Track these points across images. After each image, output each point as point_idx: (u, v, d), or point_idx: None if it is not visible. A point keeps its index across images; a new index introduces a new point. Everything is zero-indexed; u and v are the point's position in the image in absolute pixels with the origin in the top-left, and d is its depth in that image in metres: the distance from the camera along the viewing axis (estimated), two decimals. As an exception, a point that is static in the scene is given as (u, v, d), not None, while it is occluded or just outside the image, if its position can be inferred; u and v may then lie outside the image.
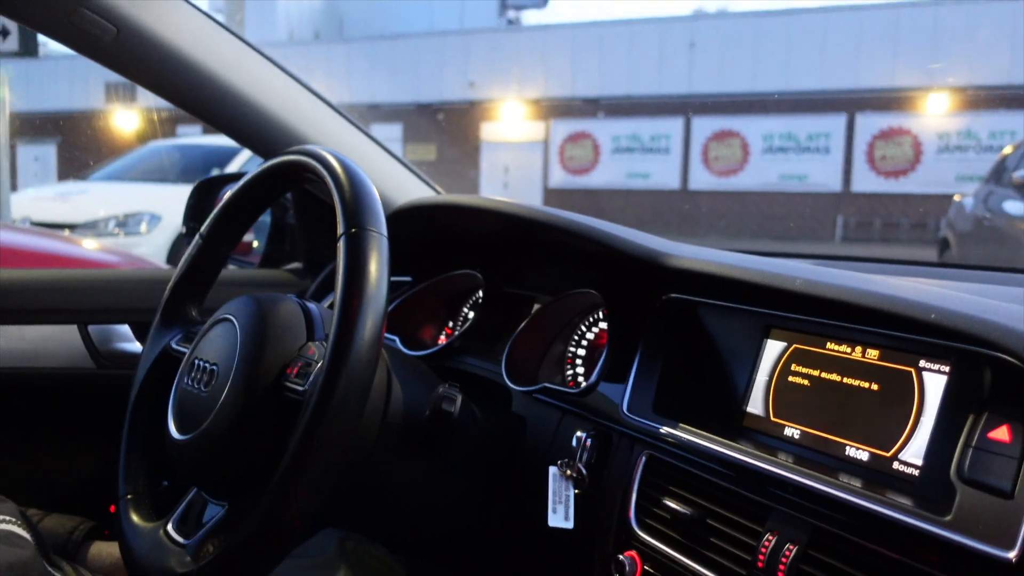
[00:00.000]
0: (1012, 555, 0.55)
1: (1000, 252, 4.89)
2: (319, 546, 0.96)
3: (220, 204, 0.97)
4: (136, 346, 1.32)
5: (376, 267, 0.72)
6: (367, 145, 1.34)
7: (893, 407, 0.71)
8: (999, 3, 13.77)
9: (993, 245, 5.10)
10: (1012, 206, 4.72)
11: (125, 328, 1.32)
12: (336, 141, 1.28)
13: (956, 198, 6.48)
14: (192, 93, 1.17)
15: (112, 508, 0.90)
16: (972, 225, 5.63)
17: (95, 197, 6.38)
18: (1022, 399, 0.59)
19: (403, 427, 0.86)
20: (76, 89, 15.12)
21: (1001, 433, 0.60)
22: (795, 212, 14.52)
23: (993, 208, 5.13)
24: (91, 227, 5.82)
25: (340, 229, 0.74)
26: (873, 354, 0.74)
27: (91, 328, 1.30)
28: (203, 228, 0.97)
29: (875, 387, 0.73)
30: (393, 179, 1.34)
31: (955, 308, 0.64)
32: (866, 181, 14.35)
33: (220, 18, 1.26)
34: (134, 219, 5.92)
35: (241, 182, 0.94)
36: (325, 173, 0.79)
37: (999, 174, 5.35)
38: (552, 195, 16.00)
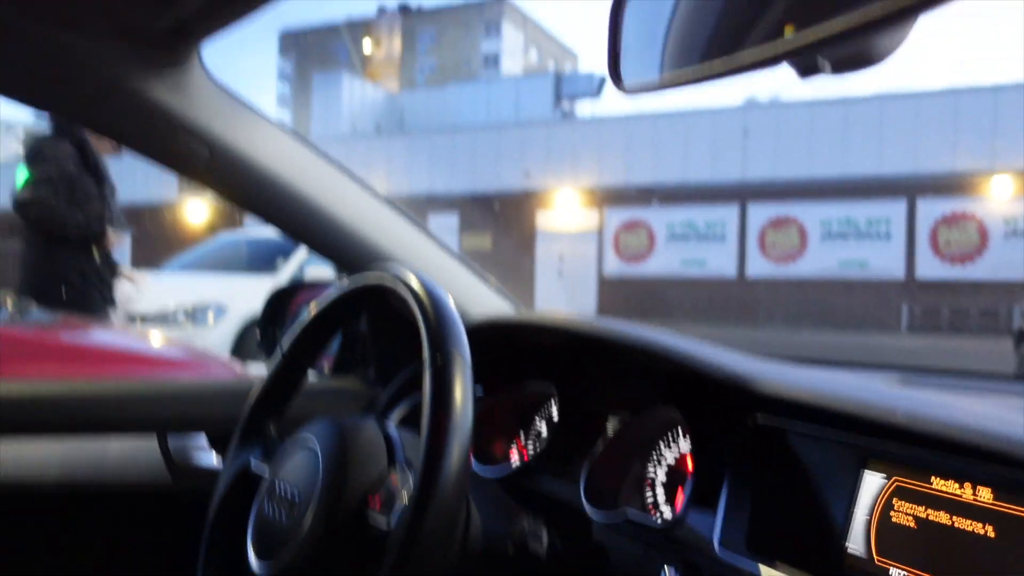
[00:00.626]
0: None
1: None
2: None
3: (302, 321, 0.99)
4: (212, 458, 1.33)
5: (461, 395, 0.72)
6: (439, 255, 1.36)
7: (1012, 554, 0.65)
8: (1061, 88, 13.64)
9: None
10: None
11: (201, 436, 1.34)
12: (409, 252, 1.30)
13: (1031, 287, 6.26)
14: (276, 208, 1.22)
15: None
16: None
17: (166, 288, 6.62)
18: None
19: (483, 559, 0.83)
20: (151, 181, 15.95)
21: None
22: (857, 300, 14.21)
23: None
24: (161, 318, 6.02)
25: (426, 356, 0.74)
26: (985, 494, 0.69)
27: (170, 439, 1.31)
28: (284, 344, 0.99)
29: (991, 532, 0.68)
30: (465, 289, 1.35)
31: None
32: (931, 267, 14.04)
33: (288, 112, 1.32)
34: (202, 310, 6.11)
35: (324, 299, 0.96)
36: (410, 297, 0.80)
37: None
38: (607, 284, 16.03)
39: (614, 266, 16.06)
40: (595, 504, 0.98)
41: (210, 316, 6.03)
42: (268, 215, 1.24)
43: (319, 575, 0.75)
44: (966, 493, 0.71)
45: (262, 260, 6.97)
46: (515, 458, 1.19)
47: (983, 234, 13.68)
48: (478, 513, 0.85)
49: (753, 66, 0.52)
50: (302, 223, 1.25)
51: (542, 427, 1.23)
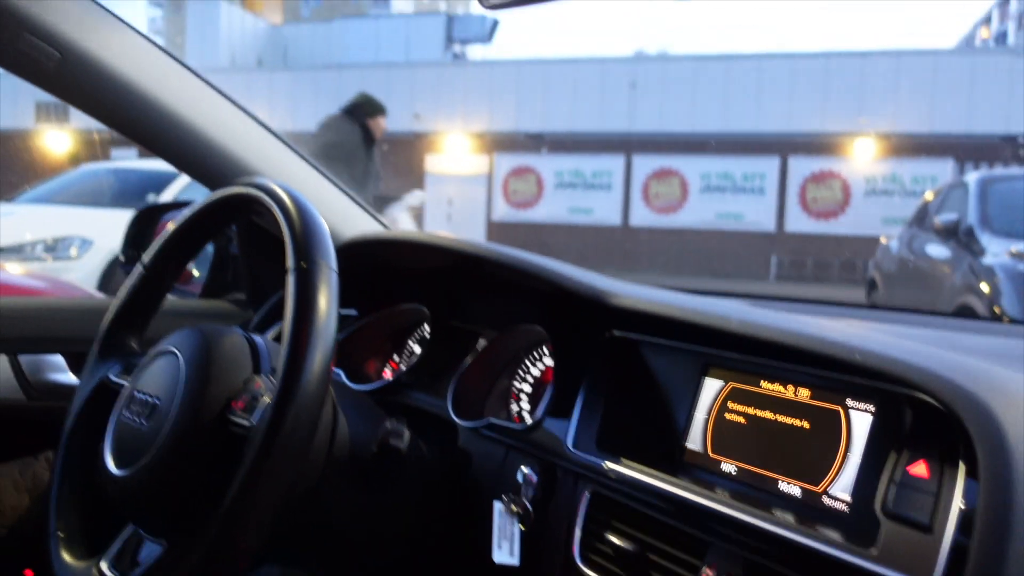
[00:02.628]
0: (932, 586, 0.58)
1: (923, 293, 5.12)
2: (258, 584, 0.95)
3: (164, 233, 0.96)
4: (70, 377, 1.28)
5: (326, 302, 0.73)
6: (313, 176, 1.34)
7: (823, 444, 0.74)
8: (919, 57, 14.58)
9: (916, 286, 5.34)
10: (933, 249, 4.96)
11: (58, 359, 1.28)
12: (282, 171, 1.28)
13: (882, 240, 6.77)
14: (136, 120, 1.16)
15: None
16: (897, 267, 5.89)
17: (22, 220, 6.15)
18: (939, 437, 0.63)
19: (349, 462, 0.86)
20: (5, 107, 14.65)
21: (920, 469, 0.64)
22: (731, 250, 14.91)
23: (916, 251, 5.38)
24: (17, 251, 5.61)
25: (290, 263, 0.74)
26: (804, 393, 0.77)
27: (22, 358, 1.25)
28: (146, 258, 0.96)
29: (806, 425, 0.76)
30: (340, 211, 1.34)
31: (878, 350, 0.68)
32: (799, 222, 14.87)
33: (159, 40, 1.26)
34: (64, 243, 5.73)
35: (187, 212, 0.94)
36: (274, 206, 0.80)
37: (921, 218, 5.63)
38: (495, 228, 16.10)
39: (503, 211, 16.14)
40: (460, 414, 1.02)
41: (73, 250, 5.66)
42: (126, 127, 1.17)
43: (179, 478, 0.75)
44: (788, 392, 0.79)
45: (131, 194, 6.56)
46: (388, 376, 1.21)
47: (846, 192, 14.58)
48: (346, 421, 0.87)
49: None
50: (164, 136, 1.19)
51: (415, 348, 1.26)
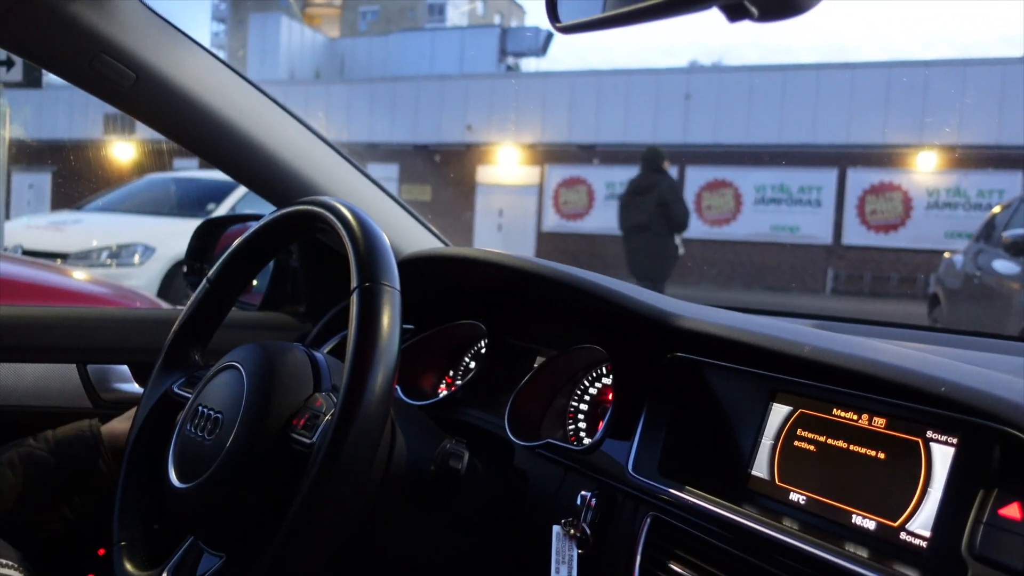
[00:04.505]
0: (1024, 635, 0.54)
1: (989, 310, 4.94)
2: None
3: (230, 249, 0.97)
4: (135, 388, 1.31)
5: (389, 321, 0.72)
6: (375, 194, 1.35)
7: (901, 477, 0.71)
8: (987, 67, 14.13)
9: (983, 303, 5.15)
10: (1001, 265, 4.78)
11: (124, 369, 1.31)
12: (346, 189, 1.29)
13: (946, 255, 6.56)
14: (207, 139, 1.18)
15: (101, 552, 0.89)
16: (962, 283, 5.69)
17: (89, 227, 6.38)
18: (1032, 476, 0.60)
19: (407, 481, 0.85)
20: (75, 118, 15.20)
21: (1012, 511, 0.60)
22: (786, 263, 14.63)
23: (983, 267, 5.19)
24: (84, 257, 5.81)
25: (354, 282, 0.75)
26: (880, 422, 0.74)
27: (90, 368, 1.29)
28: (211, 272, 0.97)
29: (882, 456, 0.73)
30: (400, 228, 1.35)
31: (963, 381, 0.65)
32: (856, 235, 14.52)
33: (222, 54, 1.28)
34: (127, 250, 5.92)
35: (253, 228, 0.95)
36: (339, 225, 0.80)
37: (988, 233, 5.44)
38: (545, 238, 16.09)
39: (553, 222, 16.11)
40: (517, 434, 1.01)
41: (136, 256, 5.84)
42: (196, 146, 1.20)
43: (241, 493, 0.76)
44: (862, 421, 0.76)
45: (192, 203, 6.76)
46: (444, 392, 1.20)
47: (907, 205, 14.18)
48: (403, 439, 0.87)
49: (682, 7, 0.53)
50: (232, 155, 1.21)
51: (472, 365, 1.25)
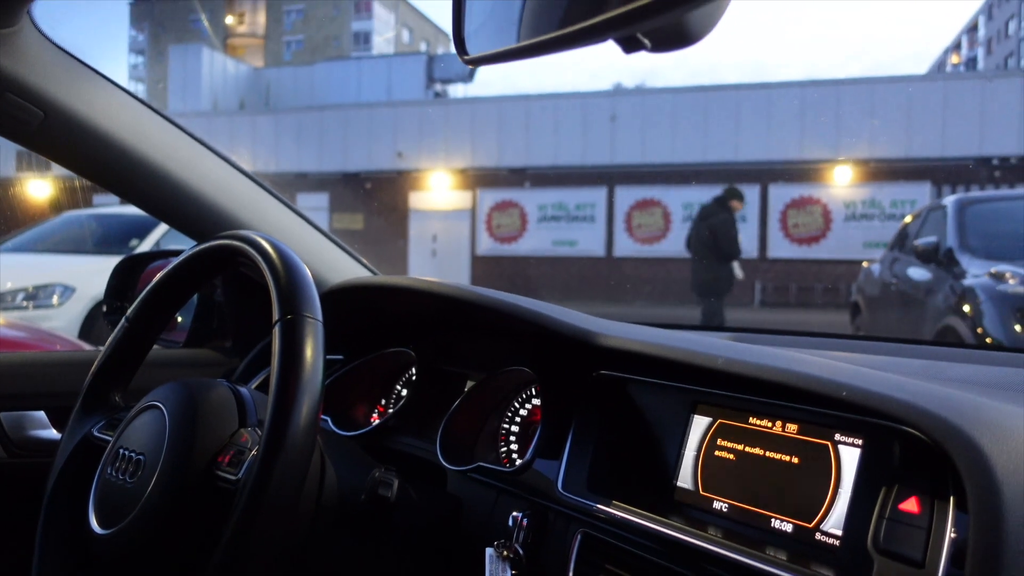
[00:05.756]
0: (927, 623, 0.58)
1: (906, 316, 5.16)
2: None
3: (149, 286, 0.96)
4: (52, 433, 1.26)
5: (312, 353, 0.72)
6: (299, 225, 1.34)
7: (813, 479, 0.74)
8: (894, 84, 14.88)
9: (899, 309, 5.38)
10: (915, 272, 5.00)
11: (40, 415, 1.26)
12: (268, 222, 1.28)
13: (865, 264, 6.83)
14: (121, 176, 1.16)
15: None
16: (880, 291, 5.94)
17: (3, 269, 6.11)
18: (929, 471, 0.63)
19: (338, 511, 0.85)
20: (-14, 157, 14.59)
21: (911, 505, 0.64)
22: (715, 278, 14.98)
23: (898, 274, 5.43)
24: (-3, 300, 5.56)
25: (276, 315, 0.74)
26: (792, 428, 0.78)
27: (2, 415, 1.24)
28: (130, 311, 0.95)
29: (796, 460, 0.76)
30: (326, 258, 1.34)
31: (865, 385, 0.68)
32: (781, 248, 15.00)
33: (142, 87, 1.26)
34: (45, 291, 5.68)
35: (172, 265, 0.94)
36: (259, 258, 0.80)
37: (902, 242, 5.69)
38: (480, 262, 16.13)
39: (487, 245, 16.19)
40: (449, 459, 1.01)
41: (55, 297, 5.62)
42: (110, 183, 1.17)
43: (166, 536, 0.74)
44: (776, 428, 0.79)
45: (114, 240, 6.54)
46: (376, 421, 1.20)
47: (827, 217, 14.74)
48: (333, 470, 0.86)
49: (580, 39, 0.55)
50: (148, 191, 1.19)
51: (403, 392, 1.25)
